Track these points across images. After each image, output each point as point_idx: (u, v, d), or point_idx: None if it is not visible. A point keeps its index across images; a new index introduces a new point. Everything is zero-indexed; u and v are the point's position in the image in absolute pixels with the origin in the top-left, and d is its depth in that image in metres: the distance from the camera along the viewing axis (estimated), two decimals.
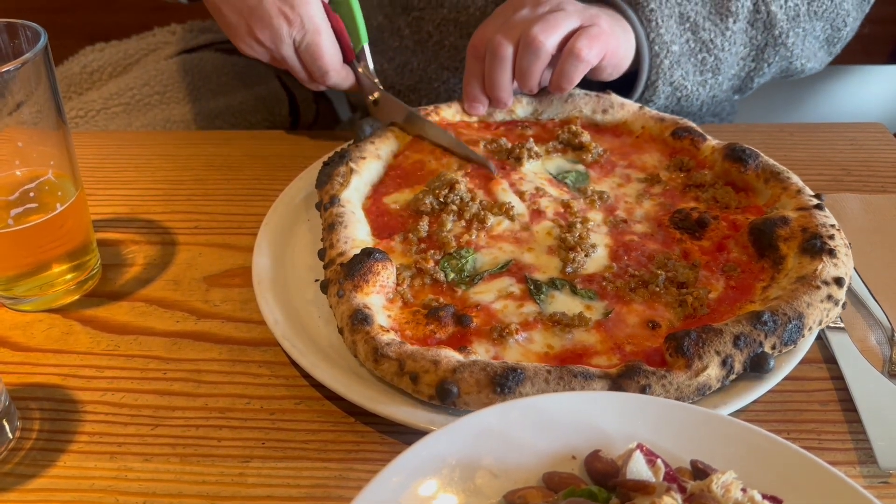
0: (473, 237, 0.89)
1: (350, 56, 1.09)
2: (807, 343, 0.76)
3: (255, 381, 0.80)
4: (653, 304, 0.81)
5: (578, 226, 0.89)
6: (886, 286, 0.88)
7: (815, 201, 0.88)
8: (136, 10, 2.32)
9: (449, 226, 0.90)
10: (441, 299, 0.82)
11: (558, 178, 1.00)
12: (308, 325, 0.82)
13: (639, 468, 0.54)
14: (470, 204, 0.93)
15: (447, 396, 0.69)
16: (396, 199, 0.97)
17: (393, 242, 0.90)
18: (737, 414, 0.72)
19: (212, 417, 0.76)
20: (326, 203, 0.92)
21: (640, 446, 0.55)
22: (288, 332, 0.80)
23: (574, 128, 1.06)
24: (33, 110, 0.80)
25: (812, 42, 1.20)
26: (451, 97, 1.11)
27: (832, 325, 0.82)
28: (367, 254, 0.81)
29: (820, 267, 0.78)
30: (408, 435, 0.72)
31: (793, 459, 0.57)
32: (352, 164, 0.97)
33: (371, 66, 1.11)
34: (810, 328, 0.75)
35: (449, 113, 1.09)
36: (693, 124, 1.05)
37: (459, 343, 0.76)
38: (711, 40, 1.12)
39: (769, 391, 0.73)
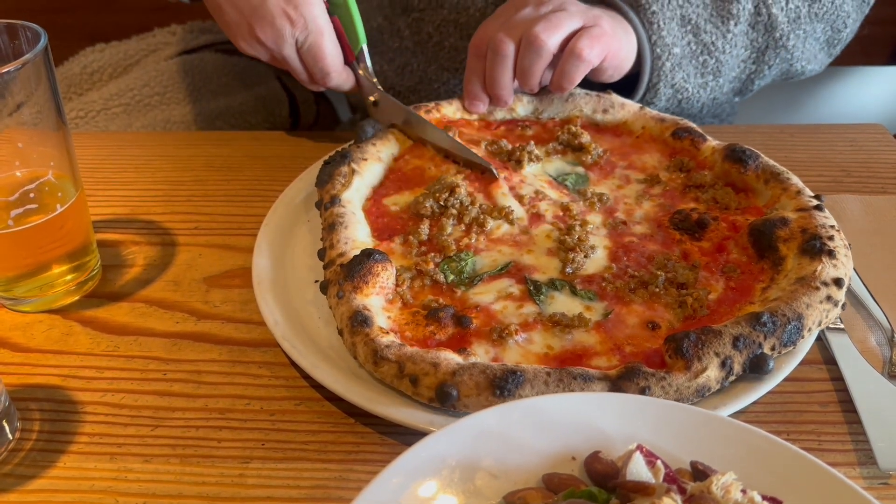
0: (473, 240, 0.89)
1: (350, 57, 1.09)
2: (807, 344, 0.76)
3: (255, 381, 0.80)
4: (652, 304, 0.81)
5: (577, 228, 0.90)
6: (886, 287, 0.88)
7: (815, 202, 0.88)
8: (136, 11, 2.32)
9: (449, 230, 0.91)
10: (441, 300, 0.82)
11: (558, 181, 1.00)
12: (308, 326, 0.82)
13: (639, 469, 0.54)
14: (469, 208, 0.93)
15: (447, 399, 0.69)
16: (396, 202, 0.97)
17: (393, 244, 0.90)
18: (737, 415, 0.72)
19: (212, 418, 0.76)
20: (327, 202, 0.92)
21: (639, 447, 0.55)
22: (288, 333, 0.80)
23: (574, 128, 1.06)
24: (33, 111, 0.80)
25: (812, 44, 1.20)
26: (452, 98, 1.11)
27: (832, 326, 0.82)
28: (366, 255, 0.81)
29: (819, 268, 0.78)
30: (408, 436, 0.72)
31: (793, 460, 0.57)
32: (353, 165, 0.97)
33: (370, 67, 1.11)
34: (810, 329, 0.75)
35: (450, 110, 1.09)
36: (693, 125, 1.05)
37: (459, 344, 0.76)
38: (713, 43, 1.13)
39: (769, 392, 0.73)
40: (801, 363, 0.75)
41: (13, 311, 0.89)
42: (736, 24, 1.12)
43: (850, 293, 0.87)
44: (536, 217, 0.93)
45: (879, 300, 0.86)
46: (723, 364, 0.71)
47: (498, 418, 0.60)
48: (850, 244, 0.83)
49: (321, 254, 0.88)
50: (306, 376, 0.79)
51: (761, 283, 0.82)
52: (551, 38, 1.00)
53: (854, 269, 0.90)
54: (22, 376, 0.81)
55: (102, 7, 2.51)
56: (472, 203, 0.94)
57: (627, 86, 1.14)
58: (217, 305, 0.90)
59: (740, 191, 0.96)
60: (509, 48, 1.02)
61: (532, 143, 1.04)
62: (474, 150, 1.02)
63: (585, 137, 1.05)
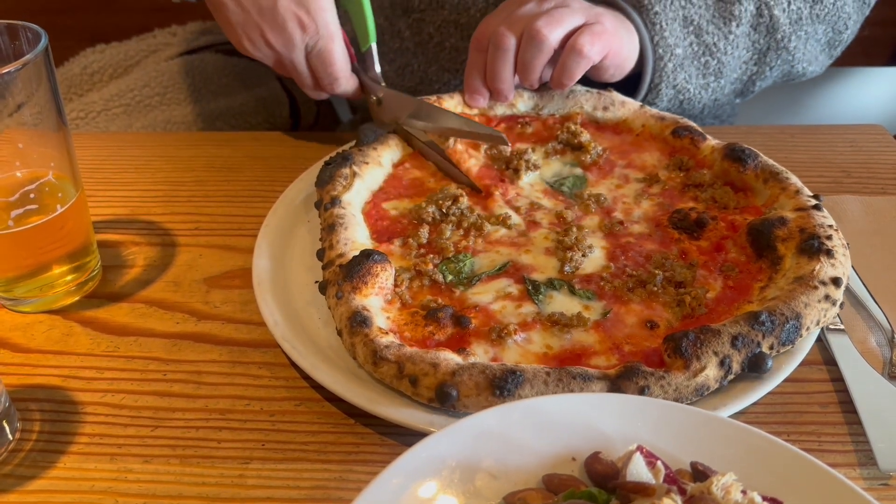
0: (471, 243, 0.90)
1: (354, 61, 1.08)
2: (807, 345, 0.76)
3: (255, 382, 0.80)
4: (651, 303, 0.81)
5: (574, 230, 0.90)
6: (886, 288, 0.88)
7: (814, 202, 0.88)
8: (136, 12, 2.32)
9: (447, 234, 0.91)
10: (440, 300, 0.82)
11: (555, 187, 1.00)
12: (308, 327, 0.82)
13: (639, 470, 0.54)
14: (468, 214, 0.94)
15: (446, 399, 0.69)
16: (396, 206, 0.97)
17: (392, 246, 0.90)
18: (737, 416, 0.72)
19: (212, 419, 0.76)
20: (327, 203, 0.92)
21: (640, 448, 0.55)
22: (288, 334, 0.80)
23: (573, 127, 1.06)
24: (34, 111, 0.80)
25: (813, 45, 1.20)
26: (453, 93, 1.11)
27: (832, 326, 0.82)
28: (366, 255, 0.81)
29: (817, 267, 0.78)
30: (408, 436, 0.72)
31: (793, 461, 0.57)
32: (355, 168, 0.97)
33: (377, 64, 1.10)
34: (808, 328, 0.75)
35: (451, 104, 1.09)
36: (693, 123, 1.05)
37: (458, 344, 0.76)
38: (715, 44, 1.13)
39: (769, 393, 0.73)
40: (802, 364, 0.75)
41: (13, 311, 0.89)
42: (738, 26, 1.12)
43: (851, 294, 0.87)
44: (533, 224, 0.94)
45: (879, 301, 0.86)
46: (721, 363, 0.71)
47: (498, 419, 0.60)
48: (848, 244, 0.83)
49: (320, 254, 0.88)
50: (306, 377, 0.79)
51: (759, 283, 0.82)
52: (553, 33, 0.99)
53: (854, 269, 0.90)
54: (22, 377, 0.81)
55: (103, 8, 2.51)
56: (471, 211, 0.95)
57: (629, 87, 1.14)
58: (217, 306, 0.90)
59: (739, 190, 0.96)
60: (510, 42, 1.02)
61: (530, 150, 1.04)
62: (474, 153, 1.02)
63: (585, 136, 1.05)
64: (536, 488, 0.56)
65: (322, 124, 1.71)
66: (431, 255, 0.88)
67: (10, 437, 0.73)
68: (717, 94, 1.19)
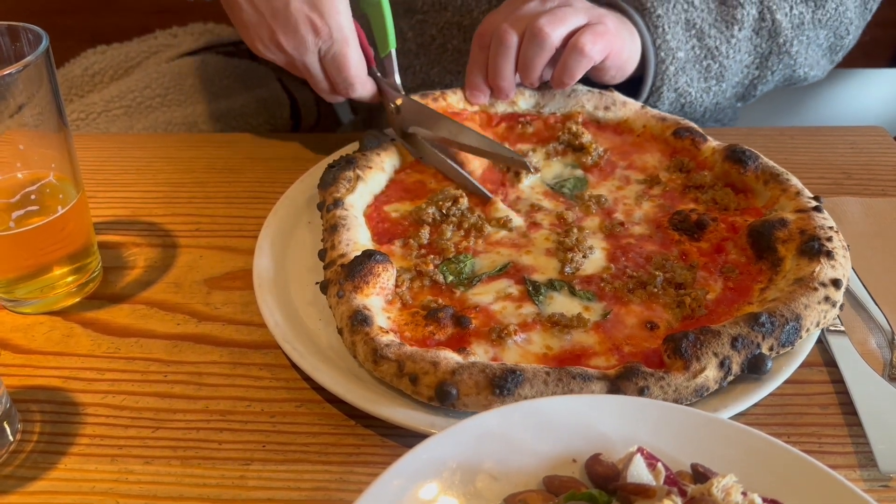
0: (472, 243, 0.90)
1: (371, 64, 1.06)
2: (807, 346, 0.76)
3: (255, 383, 0.80)
4: (651, 304, 0.81)
5: (575, 231, 0.90)
6: (887, 290, 0.88)
7: (814, 203, 0.88)
8: (137, 13, 2.32)
9: (448, 234, 0.91)
10: (440, 300, 0.82)
11: (555, 189, 1.00)
12: (309, 328, 0.83)
13: (639, 471, 0.54)
14: (468, 215, 0.94)
15: (446, 398, 0.69)
16: (397, 209, 0.97)
17: (393, 247, 0.90)
18: (737, 417, 0.72)
19: (212, 420, 0.76)
20: (329, 204, 0.93)
21: (640, 450, 0.55)
22: (289, 335, 0.80)
23: (575, 128, 1.06)
24: (35, 113, 0.80)
25: (815, 50, 1.20)
26: (456, 88, 1.11)
27: (832, 328, 0.82)
28: (367, 255, 0.82)
29: (817, 269, 0.78)
30: (408, 438, 0.72)
31: (793, 463, 0.57)
32: (358, 171, 0.97)
33: (397, 71, 1.07)
34: (808, 329, 0.75)
35: (454, 100, 1.09)
36: (694, 125, 1.05)
37: (458, 344, 0.76)
38: (717, 47, 1.13)
39: (770, 394, 0.73)
40: (802, 365, 0.75)
41: (14, 312, 0.90)
42: (740, 30, 1.12)
43: (851, 295, 0.87)
44: (534, 226, 0.94)
45: (880, 302, 0.86)
46: (721, 364, 0.71)
47: (498, 420, 0.60)
48: (848, 245, 0.83)
49: (322, 254, 0.88)
50: (307, 378, 0.79)
51: (759, 284, 0.82)
52: (555, 32, 0.99)
53: (854, 271, 0.90)
54: (23, 378, 0.81)
55: (104, 9, 2.51)
56: (472, 212, 0.95)
57: (630, 90, 1.14)
58: (218, 307, 0.90)
59: (740, 191, 0.96)
60: (513, 39, 1.02)
61: (531, 151, 1.04)
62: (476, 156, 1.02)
63: (587, 137, 1.05)
64: (537, 490, 0.56)
65: (323, 125, 1.72)
66: (432, 256, 0.88)
67: (10, 438, 0.73)
68: (719, 97, 1.19)
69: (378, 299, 0.81)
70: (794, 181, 0.92)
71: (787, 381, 0.74)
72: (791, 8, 1.14)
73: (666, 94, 1.14)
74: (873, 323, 0.85)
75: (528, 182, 1.01)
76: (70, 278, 0.90)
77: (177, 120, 1.51)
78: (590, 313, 0.80)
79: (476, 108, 1.10)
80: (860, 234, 0.97)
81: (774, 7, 1.13)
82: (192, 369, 0.82)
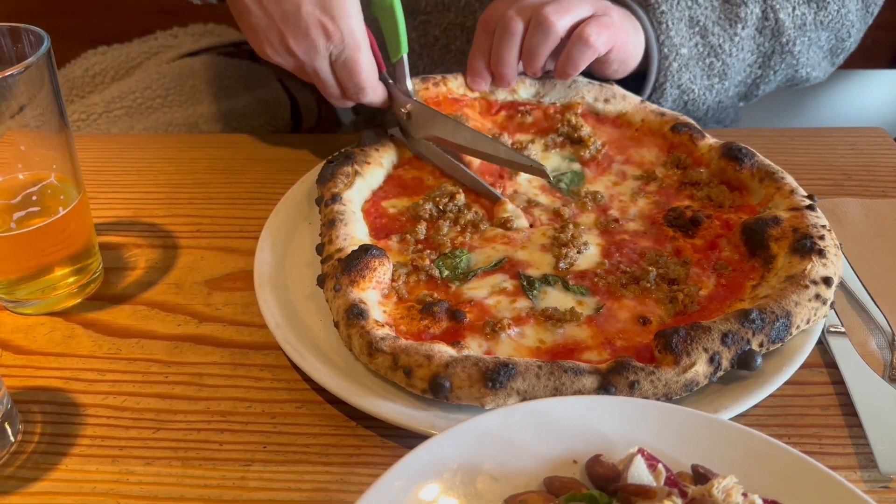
0: (468, 239, 0.91)
1: (382, 69, 1.04)
2: (807, 347, 0.76)
3: (256, 384, 0.80)
4: (644, 300, 0.81)
5: (571, 227, 0.91)
6: (887, 290, 0.88)
7: (808, 202, 0.88)
8: (138, 14, 2.32)
9: (445, 230, 0.92)
10: (435, 295, 0.82)
11: (552, 183, 1.00)
12: (309, 329, 0.83)
13: (640, 472, 0.54)
14: (465, 212, 0.95)
15: (440, 391, 0.69)
16: (395, 205, 0.98)
17: (390, 242, 0.91)
18: (738, 418, 0.72)
19: (213, 421, 0.76)
20: (328, 199, 0.93)
21: (641, 450, 0.55)
22: (289, 336, 0.80)
23: (574, 120, 1.06)
24: (36, 114, 0.80)
25: (816, 52, 1.21)
26: (457, 73, 1.11)
27: (833, 329, 0.83)
28: (364, 250, 0.82)
29: (809, 266, 0.79)
30: (409, 439, 0.72)
31: (793, 464, 0.57)
32: (356, 167, 0.98)
33: (408, 76, 1.06)
34: (798, 326, 0.75)
35: (454, 85, 1.09)
36: (692, 121, 1.05)
37: (453, 338, 0.76)
38: (720, 45, 1.13)
39: (770, 395, 0.73)
40: (802, 366, 0.75)
41: (15, 313, 0.90)
42: (743, 28, 1.13)
43: (851, 296, 0.88)
44: (531, 221, 0.95)
45: (880, 303, 0.86)
46: (711, 359, 0.71)
47: (499, 421, 0.60)
48: (841, 244, 0.84)
49: (319, 249, 0.89)
50: (308, 379, 0.79)
51: (752, 281, 0.83)
52: (561, 21, 0.99)
53: (855, 272, 0.90)
54: (24, 379, 0.81)
55: (104, 10, 2.52)
56: (468, 208, 0.95)
57: (633, 88, 1.14)
58: (219, 308, 0.90)
59: (735, 189, 0.96)
60: (518, 26, 1.01)
61: (530, 144, 1.05)
62: None
63: (585, 130, 1.05)
64: (538, 491, 0.57)
65: (323, 126, 1.72)
66: (428, 251, 0.88)
67: (12, 438, 0.74)
68: (721, 96, 1.19)
69: (374, 293, 0.81)
70: (789, 179, 0.93)
71: (787, 383, 0.74)
72: (794, 8, 1.14)
73: (669, 91, 1.14)
74: (873, 324, 0.85)
75: (526, 175, 1.01)
76: (71, 279, 0.90)
77: (177, 121, 1.51)
78: (583, 308, 0.80)
79: (476, 94, 1.10)
80: (860, 235, 0.97)
81: (778, 6, 1.13)
82: (192, 370, 0.82)
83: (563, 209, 0.95)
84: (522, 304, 0.81)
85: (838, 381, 0.78)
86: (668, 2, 1.10)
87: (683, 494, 0.53)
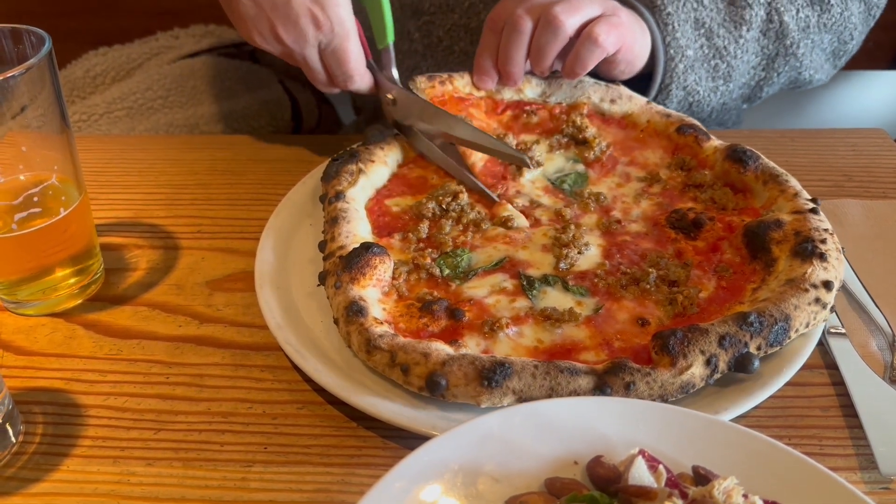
0: (469, 238, 0.91)
1: (369, 56, 1.06)
2: (808, 349, 0.76)
3: (257, 385, 0.80)
4: (643, 301, 0.81)
5: (572, 228, 0.91)
6: (887, 292, 0.88)
7: (811, 205, 0.88)
8: (139, 15, 2.33)
9: (447, 229, 0.92)
10: (435, 293, 0.83)
11: (556, 184, 1.01)
12: (310, 330, 0.83)
13: (641, 474, 0.54)
14: (468, 211, 0.95)
15: (436, 388, 0.70)
16: (398, 203, 0.98)
17: (392, 240, 0.91)
18: (738, 419, 0.73)
19: (214, 422, 0.76)
20: (332, 197, 0.94)
21: (641, 452, 0.56)
22: (290, 337, 0.80)
23: (579, 121, 1.06)
24: (37, 114, 0.81)
25: (819, 54, 1.21)
26: (463, 72, 1.11)
27: (833, 330, 0.83)
28: (365, 247, 0.83)
29: (809, 270, 0.78)
30: (410, 440, 0.72)
31: (794, 465, 0.57)
32: (361, 165, 0.98)
33: (394, 63, 1.07)
34: (797, 330, 0.75)
35: (461, 83, 1.09)
36: (698, 123, 1.05)
37: (451, 336, 0.77)
38: (725, 47, 1.13)
39: (770, 397, 0.73)
40: (803, 368, 0.75)
41: (16, 314, 0.90)
42: (748, 30, 1.13)
43: (851, 297, 0.88)
44: (532, 222, 0.95)
45: (880, 305, 0.86)
46: (708, 362, 0.71)
47: (500, 422, 0.60)
48: (843, 248, 0.84)
49: (322, 246, 0.89)
50: (308, 380, 0.79)
51: (752, 284, 0.82)
52: (570, 20, 0.99)
53: (855, 273, 0.90)
54: (25, 379, 0.81)
55: (105, 11, 2.52)
56: (471, 208, 0.95)
57: (638, 90, 1.14)
58: (220, 309, 0.90)
59: (739, 191, 0.96)
60: (527, 25, 1.01)
61: (535, 145, 1.05)
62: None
63: (591, 131, 1.05)
64: (539, 492, 0.57)
65: (324, 127, 1.72)
66: (430, 250, 0.89)
67: (13, 439, 0.74)
68: (726, 97, 1.19)
69: (374, 291, 0.81)
70: (793, 182, 0.92)
71: (787, 384, 0.74)
72: (798, 11, 1.14)
73: (675, 92, 1.14)
74: (874, 325, 0.85)
75: (529, 176, 1.01)
76: (72, 280, 0.90)
77: (178, 122, 1.51)
78: (582, 308, 0.80)
79: (482, 93, 1.10)
80: (861, 236, 0.97)
81: (782, 9, 1.13)
82: (193, 371, 0.82)
83: (566, 210, 0.95)
84: (522, 303, 0.81)
85: (839, 383, 0.78)
86: (674, 3, 1.10)
87: (684, 495, 0.53)
